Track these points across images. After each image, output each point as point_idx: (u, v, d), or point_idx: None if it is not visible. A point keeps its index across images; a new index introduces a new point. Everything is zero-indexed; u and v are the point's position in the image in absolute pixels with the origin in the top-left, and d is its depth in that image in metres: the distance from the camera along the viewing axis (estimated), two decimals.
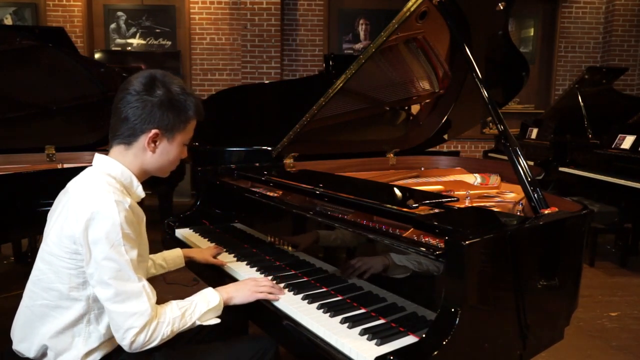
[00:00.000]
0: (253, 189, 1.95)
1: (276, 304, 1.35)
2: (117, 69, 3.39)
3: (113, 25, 6.44)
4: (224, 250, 1.78)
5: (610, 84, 5.05)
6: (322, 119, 2.07)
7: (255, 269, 1.60)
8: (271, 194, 1.86)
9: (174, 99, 1.27)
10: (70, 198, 1.22)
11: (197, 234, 2.01)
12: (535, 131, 5.31)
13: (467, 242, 1.02)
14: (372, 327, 1.16)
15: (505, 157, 1.61)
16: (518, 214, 1.54)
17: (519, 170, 1.48)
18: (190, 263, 1.74)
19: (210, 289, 1.35)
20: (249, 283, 1.40)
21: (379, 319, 1.21)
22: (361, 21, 6.63)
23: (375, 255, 1.33)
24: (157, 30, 6.45)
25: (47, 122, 3.13)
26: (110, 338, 1.26)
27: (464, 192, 1.77)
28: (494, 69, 2.34)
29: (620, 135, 4.13)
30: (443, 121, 2.47)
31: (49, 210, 1.34)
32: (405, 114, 2.53)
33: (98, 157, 1.31)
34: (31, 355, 1.26)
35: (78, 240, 1.16)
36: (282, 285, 1.43)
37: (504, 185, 2.14)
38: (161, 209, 3.98)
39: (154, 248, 1.61)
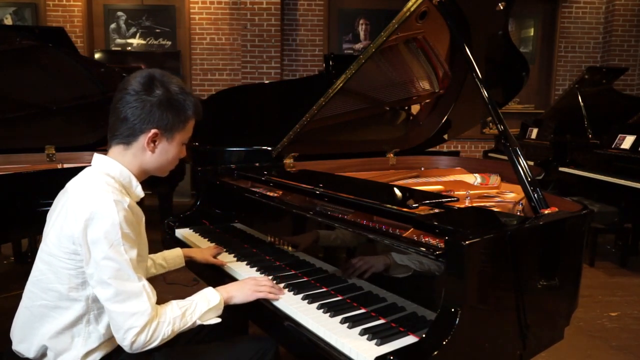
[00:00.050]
0: (253, 189, 1.95)
1: (276, 303, 1.35)
2: (117, 69, 3.38)
3: (113, 25, 6.44)
4: (224, 250, 1.78)
5: (610, 84, 5.05)
6: (322, 119, 2.07)
7: (255, 269, 1.60)
8: (271, 194, 1.86)
9: (172, 99, 1.27)
10: (70, 198, 1.22)
11: (197, 234, 2.01)
12: (535, 131, 5.31)
13: (467, 242, 1.02)
14: (372, 327, 1.16)
15: (505, 157, 1.61)
16: (518, 214, 1.54)
17: (519, 170, 1.48)
18: (190, 263, 1.74)
19: (210, 288, 1.34)
20: (249, 282, 1.40)
21: (379, 319, 1.21)
22: (361, 21, 6.63)
23: (376, 255, 1.33)
24: (157, 30, 6.45)
25: (47, 122, 3.12)
26: (109, 338, 1.26)
27: (464, 192, 1.77)
28: (494, 69, 2.34)
29: (620, 135, 4.12)
30: (443, 121, 2.47)
31: (48, 210, 1.34)
32: (405, 114, 2.53)
33: (97, 157, 1.31)
34: (31, 355, 1.26)
35: (77, 240, 1.16)
36: (282, 285, 1.43)
37: (504, 185, 2.14)
38: (161, 209, 3.98)
39: (154, 248, 1.62)
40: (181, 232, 2.06)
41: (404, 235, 1.24)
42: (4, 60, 2.80)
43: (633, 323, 2.90)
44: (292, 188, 1.76)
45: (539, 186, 1.45)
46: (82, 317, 1.23)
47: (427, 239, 1.20)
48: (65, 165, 3.04)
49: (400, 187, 1.69)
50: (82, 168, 1.33)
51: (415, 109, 2.50)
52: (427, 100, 2.41)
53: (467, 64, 1.75)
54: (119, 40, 6.46)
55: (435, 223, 1.17)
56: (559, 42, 6.78)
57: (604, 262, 3.99)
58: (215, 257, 1.71)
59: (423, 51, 2.08)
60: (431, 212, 1.32)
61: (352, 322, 1.18)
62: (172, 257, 1.70)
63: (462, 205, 1.53)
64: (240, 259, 1.70)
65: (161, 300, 1.24)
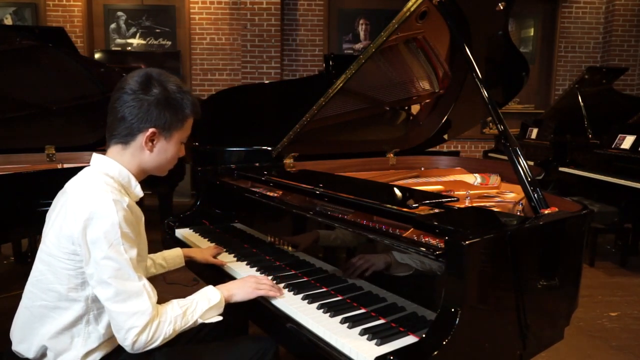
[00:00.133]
0: (253, 189, 1.95)
1: (276, 303, 1.35)
2: (117, 69, 3.39)
3: (113, 25, 6.44)
4: (224, 250, 1.78)
5: (610, 84, 5.05)
6: (322, 119, 2.06)
7: (255, 268, 1.60)
8: (271, 194, 1.85)
9: (170, 98, 1.27)
10: (69, 198, 1.22)
11: (197, 234, 2.01)
12: (535, 131, 5.31)
13: (467, 242, 1.02)
14: (372, 327, 1.16)
15: (505, 157, 1.61)
16: (518, 214, 1.54)
17: (519, 170, 1.48)
18: (190, 263, 1.74)
19: (211, 286, 1.34)
20: (249, 280, 1.40)
21: (379, 319, 1.21)
22: (361, 21, 6.63)
23: (376, 254, 1.33)
24: (157, 30, 6.46)
25: (47, 122, 3.12)
26: (109, 338, 1.26)
27: (464, 192, 1.77)
28: (494, 69, 2.34)
29: (620, 135, 4.12)
30: (443, 121, 2.47)
31: (48, 210, 1.34)
32: (405, 114, 2.53)
33: (96, 157, 1.30)
34: (30, 355, 1.26)
35: (77, 240, 1.16)
36: (282, 285, 1.43)
37: (504, 185, 2.13)
38: (161, 209, 3.98)
39: (154, 248, 1.62)
40: (181, 232, 2.06)
41: (404, 235, 1.24)
42: (4, 60, 2.80)
43: (633, 323, 2.90)
44: (292, 188, 1.76)
45: (539, 186, 1.45)
46: (82, 318, 1.23)
47: (427, 239, 1.20)
48: (65, 165, 3.04)
49: (400, 187, 1.69)
50: (82, 168, 1.32)
51: (415, 109, 2.50)
52: (427, 100, 2.41)
53: (467, 64, 1.75)
54: (119, 40, 6.46)
55: (435, 223, 1.17)
56: (559, 42, 6.78)
57: (604, 262, 3.99)
58: (215, 257, 1.72)
59: (423, 51, 2.08)
60: (431, 212, 1.32)
61: (352, 322, 1.18)
62: (172, 257, 1.70)
63: (462, 205, 1.53)
64: (240, 259, 1.69)
65: (161, 300, 1.24)
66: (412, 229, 1.26)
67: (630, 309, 3.09)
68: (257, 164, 2.32)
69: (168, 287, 3.03)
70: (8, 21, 6.17)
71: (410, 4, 1.68)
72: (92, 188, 1.20)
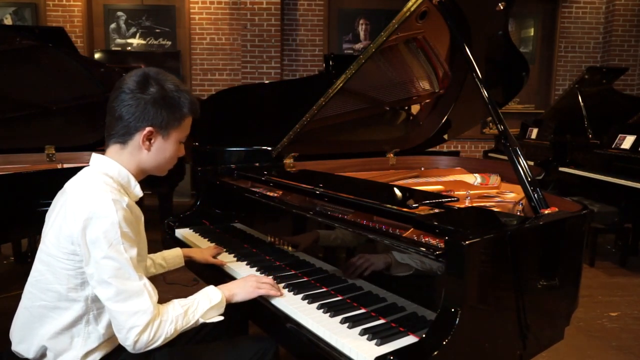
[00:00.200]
0: (253, 189, 1.95)
1: (276, 304, 1.35)
2: (117, 69, 3.39)
3: (113, 25, 6.44)
4: (224, 250, 1.78)
5: (610, 84, 5.05)
6: (322, 119, 2.06)
7: (255, 269, 1.60)
8: (271, 194, 1.85)
9: (167, 96, 1.27)
10: (68, 198, 1.22)
11: (197, 234, 2.01)
12: (535, 131, 5.31)
13: (467, 242, 1.02)
14: (372, 327, 1.16)
15: (505, 157, 1.61)
16: (518, 214, 1.54)
17: (519, 170, 1.48)
18: (190, 263, 1.74)
19: (212, 286, 1.34)
20: (250, 279, 1.40)
21: (379, 319, 1.21)
22: (361, 21, 6.63)
23: (376, 254, 1.33)
24: (157, 30, 6.46)
25: (47, 122, 3.13)
26: (109, 338, 1.26)
27: (464, 192, 1.77)
28: (494, 69, 2.34)
29: (620, 135, 4.13)
30: (443, 121, 2.47)
31: (48, 210, 1.34)
32: (405, 114, 2.53)
33: (95, 156, 1.30)
34: (30, 356, 1.26)
35: (76, 240, 1.16)
36: (282, 285, 1.43)
37: (504, 185, 2.13)
38: (161, 209, 3.98)
39: (154, 248, 1.62)
40: (181, 232, 2.06)
41: (404, 235, 1.24)
42: (4, 60, 2.80)
43: (633, 323, 2.90)
44: (292, 188, 1.76)
45: (539, 186, 1.45)
46: (82, 318, 1.23)
47: (427, 239, 1.20)
48: (65, 165, 3.04)
49: (400, 187, 1.69)
50: (81, 168, 1.32)
51: (415, 109, 2.50)
52: (427, 100, 2.41)
53: (467, 64, 1.75)
54: (119, 40, 6.46)
55: (435, 223, 1.17)
56: (559, 42, 6.78)
57: (604, 262, 3.99)
58: (215, 257, 1.71)
59: (423, 51, 2.08)
60: (431, 212, 1.32)
61: (352, 322, 1.18)
62: (172, 257, 1.70)
63: (462, 205, 1.53)
64: (240, 259, 1.69)
65: (162, 300, 1.24)
66: (412, 229, 1.26)
67: (630, 309, 3.09)
68: (257, 164, 2.32)
69: (168, 287, 3.04)
70: (8, 21, 6.17)
71: (410, 4, 1.68)
72: (91, 188, 1.20)
